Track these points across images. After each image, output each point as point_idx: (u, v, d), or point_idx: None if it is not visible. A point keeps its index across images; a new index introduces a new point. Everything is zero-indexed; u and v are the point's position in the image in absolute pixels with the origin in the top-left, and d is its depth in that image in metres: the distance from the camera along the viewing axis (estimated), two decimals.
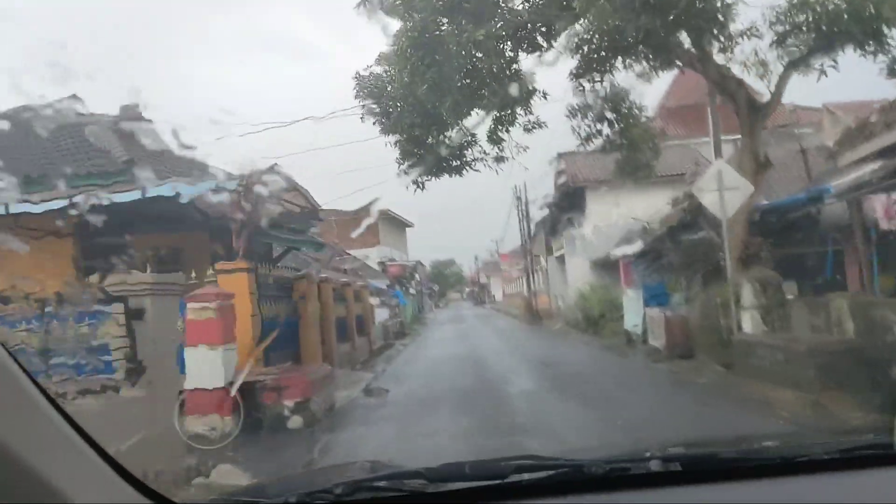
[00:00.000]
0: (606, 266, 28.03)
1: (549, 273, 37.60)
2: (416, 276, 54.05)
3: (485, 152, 17.17)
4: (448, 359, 19.00)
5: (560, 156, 33.37)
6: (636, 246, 17.29)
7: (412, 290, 49.48)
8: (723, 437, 2.87)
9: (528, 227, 39.19)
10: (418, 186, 16.49)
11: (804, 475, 1.59)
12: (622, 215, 31.08)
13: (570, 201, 32.42)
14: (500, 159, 17.28)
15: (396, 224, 57.11)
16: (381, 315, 28.75)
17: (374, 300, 29.94)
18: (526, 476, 1.61)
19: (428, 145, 16.58)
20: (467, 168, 17.13)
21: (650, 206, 29.76)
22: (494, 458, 1.73)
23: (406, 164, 16.38)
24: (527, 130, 17.15)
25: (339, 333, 17.81)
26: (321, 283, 16.31)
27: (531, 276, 39.90)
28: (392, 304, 32.63)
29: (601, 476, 1.59)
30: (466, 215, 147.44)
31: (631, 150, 16.04)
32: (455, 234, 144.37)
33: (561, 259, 34.16)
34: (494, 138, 17.09)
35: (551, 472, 1.61)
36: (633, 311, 17.91)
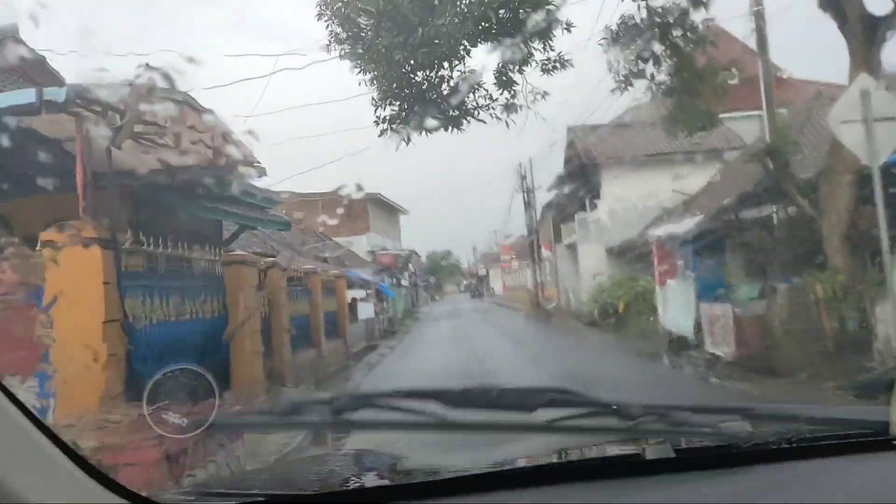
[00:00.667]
0: (626, 253, 23.98)
1: (557, 263, 33.45)
2: (410, 266, 49.84)
3: (491, 98, 13.03)
4: (442, 368, 14.87)
5: (571, 129, 29.25)
6: (684, 225, 13.15)
7: (405, 282, 45.30)
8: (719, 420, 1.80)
9: (534, 211, 34.96)
10: (404, 141, 12.33)
11: (801, 460, 1.57)
12: (642, 196, 27.04)
13: (582, 181, 28.28)
14: (510, 108, 13.14)
15: (389, 210, 52.98)
16: (366, 311, 24.62)
17: (357, 293, 25.86)
18: (555, 412, 1.53)
19: (415, 83, 12.49)
20: (468, 118, 12.97)
21: (674, 184, 25.81)
22: (523, 386, 1.71)
23: (386, 108, 12.24)
24: (545, 71, 13.04)
25: (300, 337, 13.71)
26: (269, 270, 12.17)
27: (537, 265, 35.66)
28: (380, 298, 28.49)
29: (627, 428, 1.55)
30: (464, 203, 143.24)
31: (687, 92, 11.89)
32: (452, 224, 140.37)
33: (571, 247, 30.01)
34: (504, 80, 12.97)
35: (586, 410, 1.57)
36: (679, 307, 13.80)
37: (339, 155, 34.31)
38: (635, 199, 26.64)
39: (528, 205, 34.34)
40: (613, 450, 1.63)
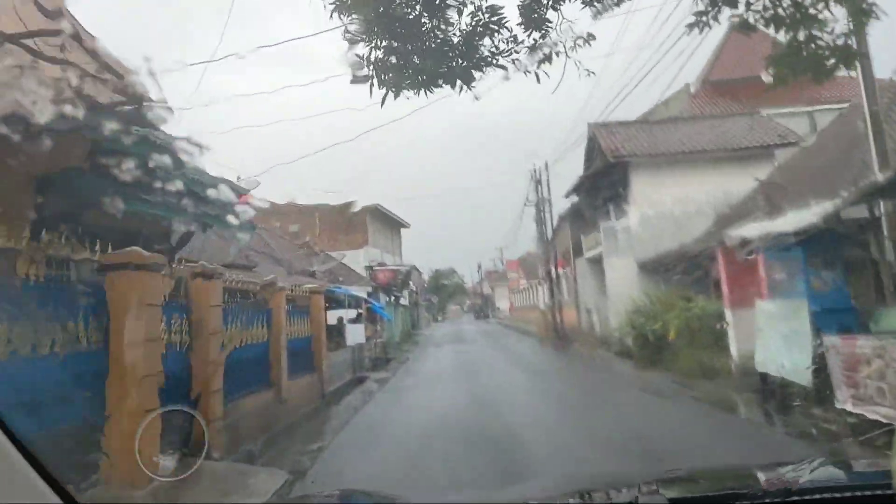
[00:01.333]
0: (665, 267, 20.09)
1: (576, 280, 29.48)
2: (411, 283, 45.89)
3: (515, 39, 9.15)
4: (442, 420, 10.86)
5: (593, 127, 25.43)
6: (789, 222, 9.20)
7: (404, 301, 41.32)
8: (715, 469, 2.49)
9: (550, 219, 31.00)
10: (392, 92, 8.43)
11: None
12: (680, 200, 23.15)
13: (606, 184, 24.44)
14: (543, 56, 9.25)
15: (389, 223, 49.20)
16: (356, 334, 20.66)
17: (348, 313, 21.94)
18: None
19: (409, 21, 8.69)
20: (482, 68, 9.07)
21: (715, 186, 21.94)
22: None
23: (372, 49, 8.38)
24: (587, 3, 9.19)
25: (246, 374, 9.77)
26: (194, 280, 8.25)
27: (554, 282, 31.60)
28: (372, 319, 24.55)
29: None
30: (468, 216, 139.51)
31: (804, 22, 8.01)
32: (455, 240, 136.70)
33: (595, 261, 26.05)
34: (534, 18, 9.13)
35: None
36: (780, 338, 9.81)
37: (331, 144, 29.94)
38: (672, 204, 22.72)
39: (542, 214, 30.40)
40: (603, 497, 1.67)
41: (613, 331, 22.08)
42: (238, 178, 11.87)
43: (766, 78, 8.62)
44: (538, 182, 29.62)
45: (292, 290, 13.03)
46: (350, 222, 44.44)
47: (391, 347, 30.68)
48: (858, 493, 1.57)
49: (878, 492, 1.52)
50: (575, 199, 27.96)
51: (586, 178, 25.31)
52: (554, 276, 30.66)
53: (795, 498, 1.55)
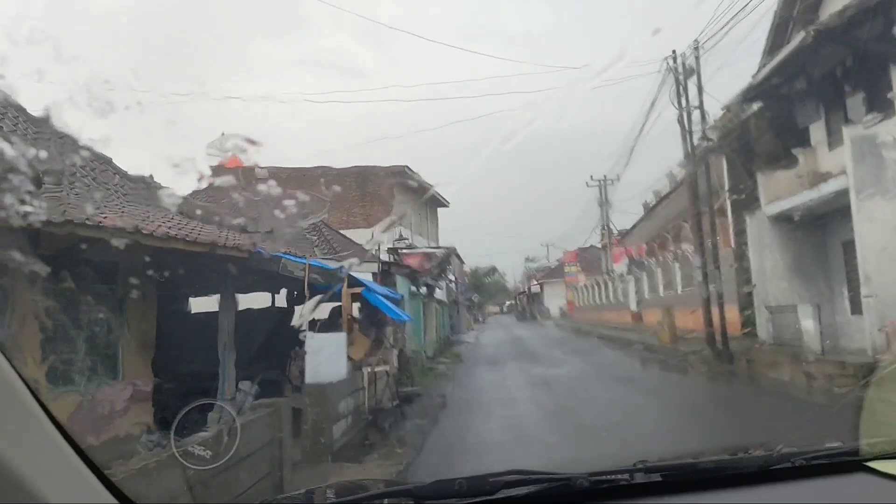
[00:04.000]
0: None
1: (744, 253, 17.00)
2: (449, 272, 33.73)
3: None
4: None
5: None
6: None
7: (440, 295, 29.15)
8: (703, 448, 2.45)
9: (689, 140, 17.99)
10: None
11: (779, 483, 1.68)
12: None
13: (846, 56, 12.20)
14: None
15: (420, 195, 37.00)
16: (323, 363, 8.81)
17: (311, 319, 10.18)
18: (514, 491, 1.66)
19: None
20: None
21: None
22: (482, 473, 1.73)
23: None
24: None
25: None
26: None
27: (711, 251, 17.93)
28: (373, 324, 12.51)
29: (586, 489, 1.66)
30: (511, 212, 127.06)
31: None
32: (494, 232, 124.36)
33: (807, 215, 13.66)
34: None
35: (539, 487, 1.69)
36: None
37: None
38: None
39: (687, 134, 17.44)
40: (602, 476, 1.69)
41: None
42: None
43: None
44: (683, 73, 16.70)
45: None
46: (367, 191, 32.51)
47: (417, 367, 18.69)
48: (832, 461, 1.70)
49: (851, 458, 1.70)
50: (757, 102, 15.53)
51: (798, 53, 12.85)
52: (712, 234, 17.14)
53: (776, 466, 1.67)
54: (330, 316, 11.51)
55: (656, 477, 1.64)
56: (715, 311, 16.69)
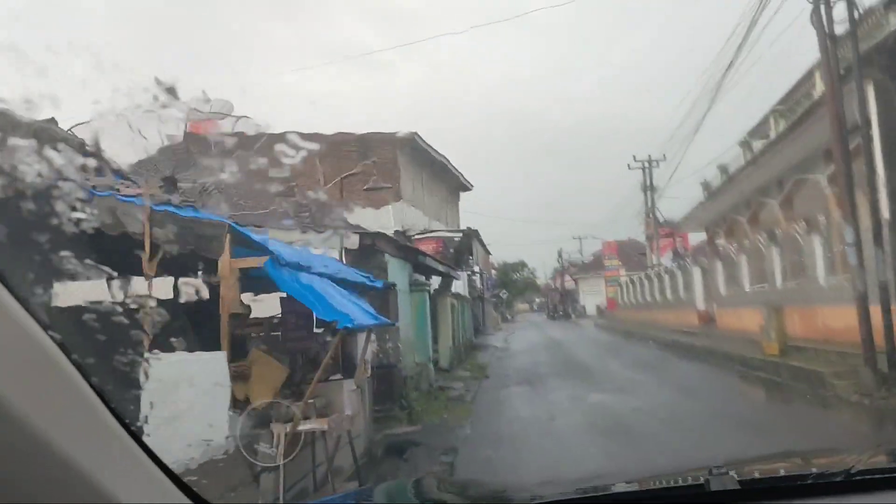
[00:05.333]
0: None
1: None
2: (471, 261, 27.80)
3: None
4: None
5: None
6: None
7: (460, 288, 23.14)
8: (773, 454, 2.34)
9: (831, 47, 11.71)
10: None
11: (862, 493, 1.58)
12: None
13: None
14: None
15: (437, 172, 31.37)
16: (181, 423, 3.11)
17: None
18: None
19: None
20: None
21: None
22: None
23: None
24: None
25: None
26: None
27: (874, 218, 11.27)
28: (319, 336, 6.62)
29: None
30: (541, 202, 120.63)
31: None
32: (524, 226, 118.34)
33: None
34: None
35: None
36: None
37: None
38: None
39: (827, 36, 11.23)
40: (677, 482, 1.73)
41: None
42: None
43: None
44: None
45: None
46: (369, 165, 26.59)
47: (421, 390, 13.00)
48: None
49: None
50: None
51: None
52: (870, 187, 10.95)
53: (857, 478, 1.57)
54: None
55: (733, 485, 1.55)
56: (874, 313, 10.60)
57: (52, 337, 0.93)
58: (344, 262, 10.80)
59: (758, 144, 23.33)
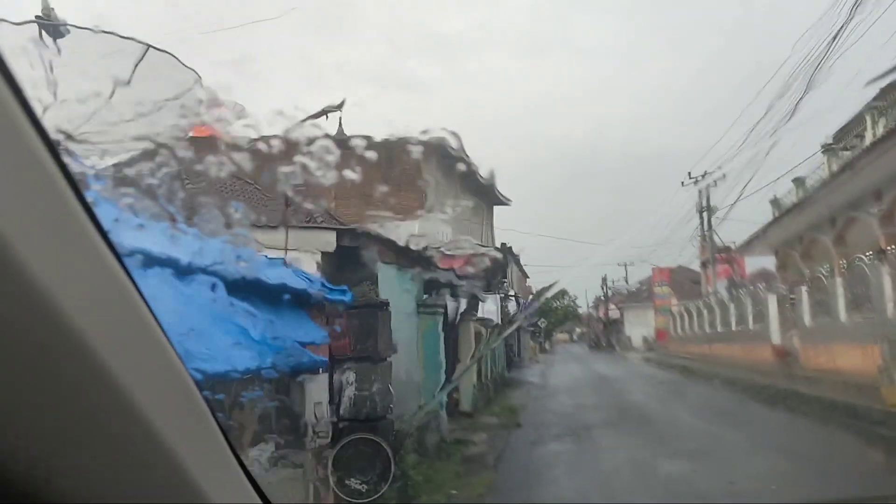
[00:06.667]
0: None
1: None
2: (505, 284, 24.23)
3: None
4: None
5: None
6: None
7: (489, 313, 19.51)
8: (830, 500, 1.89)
9: None
10: None
11: None
12: None
13: None
14: None
15: (468, 183, 28.14)
16: None
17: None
18: None
19: None
20: None
21: None
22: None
23: None
24: None
25: None
26: None
27: None
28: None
29: None
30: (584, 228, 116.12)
31: None
32: (565, 252, 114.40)
33: None
34: None
35: None
36: None
37: None
38: None
39: None
40: None
41: None
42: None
43: None
44: None
45: None
46: (391, 173, 23.41)
47: (429, 447, 9.58)
48: None
49: None
50: None
51: None
52: None
53: None
54: None
55: None
56: None
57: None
58: (319, 270, 7.53)
59: (843, 152, 19.63)
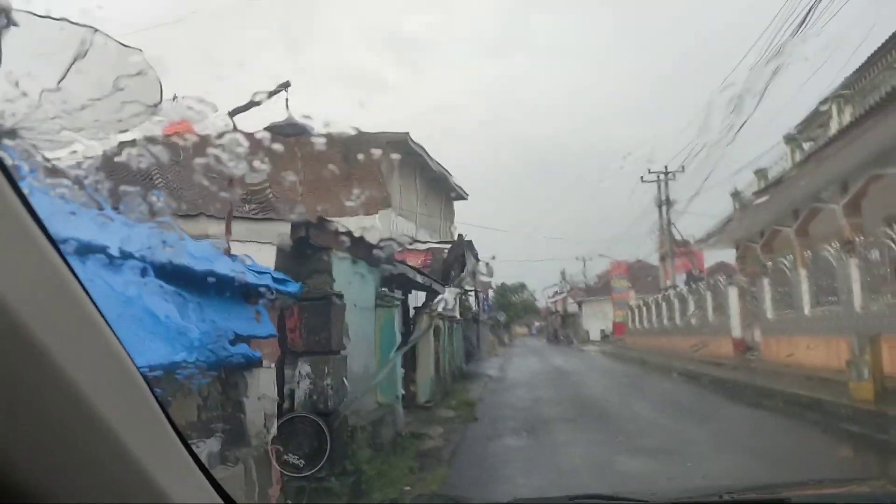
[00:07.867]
0: None
1: None
2: (465, 278, 24.13)
3: None
4: None
5: None
6: None
7: (447, 307, 19.42)
8: (789, 482, 2.29)
9: None
10: None
11: None
12: None
13: None
14: None
15: (430, 180, 28.24)
16: None
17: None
18: None
19: None
20: None
21: None
22: (562, 495, 1.81)
23: None
24: None
25: None
26: None
27: None
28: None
29: None
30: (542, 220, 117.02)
31: None
32: (523, 245, 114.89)
33: None
34: None
35: None
36: None
37: None
38: None
39: None
40: None
41: None
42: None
43: None
44: None
45: None
46: (353, 169, 23.11)
47: (384, 441, 9.37)
48: None
49: None
50: None
51: None
52: None
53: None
54: None
55: None
56: None
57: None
58: (275, 263, 7.25)
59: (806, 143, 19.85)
